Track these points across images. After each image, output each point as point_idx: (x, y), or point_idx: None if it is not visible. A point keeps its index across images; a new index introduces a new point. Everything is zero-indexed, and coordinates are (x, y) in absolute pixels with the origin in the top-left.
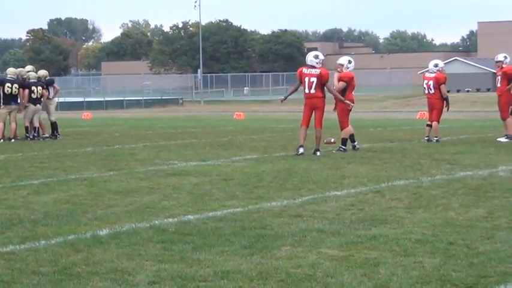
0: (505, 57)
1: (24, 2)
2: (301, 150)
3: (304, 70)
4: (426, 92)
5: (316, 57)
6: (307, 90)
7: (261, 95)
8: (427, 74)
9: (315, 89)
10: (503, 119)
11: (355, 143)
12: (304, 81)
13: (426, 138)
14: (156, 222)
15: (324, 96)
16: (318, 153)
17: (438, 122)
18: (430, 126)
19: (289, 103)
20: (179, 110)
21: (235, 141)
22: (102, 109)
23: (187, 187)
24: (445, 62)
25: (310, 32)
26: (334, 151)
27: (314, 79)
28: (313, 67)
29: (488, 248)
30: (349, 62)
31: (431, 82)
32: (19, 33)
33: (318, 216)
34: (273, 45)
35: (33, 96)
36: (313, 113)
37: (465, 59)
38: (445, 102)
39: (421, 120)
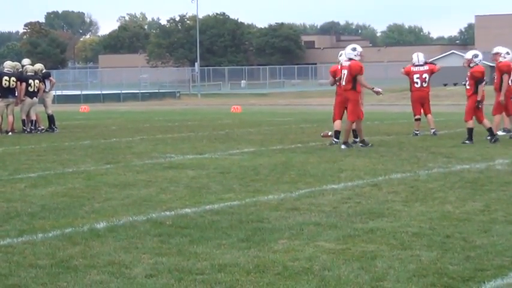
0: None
1: None
2: (343, 146)
3: (344, 63)
4: (419, 86)
5: (354, 49)
6: (342, 82)
7: (258, 88)
8: (416, 68)
9: (345, 81)
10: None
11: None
12: (342, 74)
13: (416, 131)
14: (153, 215)
15: (353, 88)
16: (343, 147)
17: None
18: (419, 120)
19: (287, 96)
20: (176, 103)
21: (233, 135)
22: (99, 102)
23: (184, 180)
24: (442, 55)
25: (307, 25)
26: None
27: (345, 71)
28: (349, 60)
29: (485, 241)
30: (476, 56)
31: (426, 75)
32: (16, 26)
33: (315, 209)
34: (270, 39)
35: (30, 89)
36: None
37: (462, 52)
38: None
39: None
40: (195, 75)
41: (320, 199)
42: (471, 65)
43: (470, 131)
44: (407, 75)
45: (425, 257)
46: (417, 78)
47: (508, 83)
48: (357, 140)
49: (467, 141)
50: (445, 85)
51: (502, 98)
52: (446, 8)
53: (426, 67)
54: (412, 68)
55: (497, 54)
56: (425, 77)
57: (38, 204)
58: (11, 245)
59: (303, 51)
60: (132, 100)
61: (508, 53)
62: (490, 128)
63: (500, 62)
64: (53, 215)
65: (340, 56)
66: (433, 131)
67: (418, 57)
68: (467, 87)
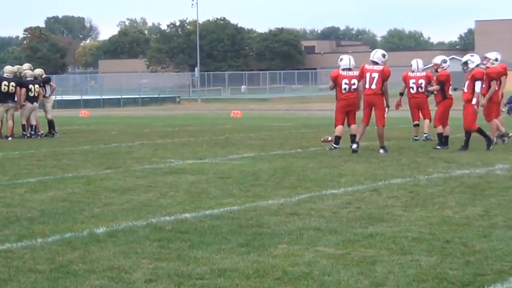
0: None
1: (21, 0)
2: (354, 146)
3: (367, 66)
4: (414, 91)
5: (384, 56)
6: (367, 86)
7: (258, 93)
8: (413, 74)
9: (376, 84)
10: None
11: (338, 146)
12: (366, 77)
13: (416, 137)
14: (153, 220)
15: (382, 94)
16: (382, 151)
17: (430, 119)
18: (418, 126)
19: (287, 101)
20: (176, 108)
21: (233, 140)
22: (99, 107)
23: (184, 185)
24: None
25: (307, 30)
26: (327, 149)
27: (376, 74)
28: (376, 63)
29: (485, 246)
30: (444, 61)
31: (422, 81)
32: (16, 31)
33: (315, 214)
34: (270, 44)
35: (30, 94)
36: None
37: (462, 57)
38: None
39: None
40: (195, 80)
41: (320, 204)
42: (438, 69)
43: (439, 136)
44: (404, 80)
45: (425, 262)
46: (413, 83)
47: (495, 88)
48: (337, 146)
49: (438, 147)
50: None
51: (484, 102)
52: (447, 13)
53: (423, 73)
54: (409, 73)
55: (486, 59)
56: (421, 83)
57: (38, 209)
58: (11, 249)
59: (303, 56)
60: (132, 105)
61: (496, 60)
62: (441, 134)
63: (488, 67)
64: (52, 220)
65: (340, 60)
66: (425, 135)
67: (418, 64)
68: (435, 92)
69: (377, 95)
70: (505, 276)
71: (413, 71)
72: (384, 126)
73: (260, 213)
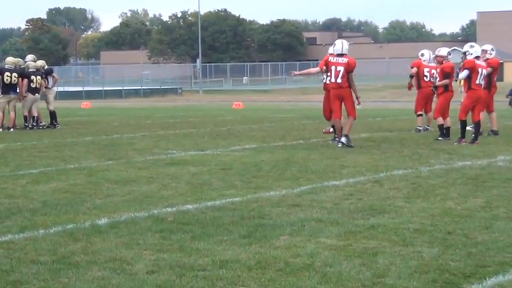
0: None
1: None
2: (340, 145)
3: (331, 58)
4: (428, 79)
5: (334, 45)
6: (333, 80)
7: (260, 85)
8: (426, 63)
9: (341, 78)
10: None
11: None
12: (331, 70)
13: (420, 127)
14: (155, 211)
15: (349, 86)
16: (343, 139)
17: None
18: (421, 115)
19: (289, 93)
20: (178, 99)
21: (234, 131)
22: (101, 98)
23: (186, 176)
24: None
25: (309, 22)
26: (330, 141)
27: (341, 68)
28: (340, 56)
29: (487, 237)
30: (449, 53)
31: (434, 71)
32: (18, 22)
33: (317, 205)
34: (272, 35)
35: (32, 85)
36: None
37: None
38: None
39: None
40: (196, 71)
41: (322, 195)
42: (444, 61)
43: (440, 127)
44: (418, 67)
45: (427, 254)
46: (427, 72)
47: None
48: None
49: (440, 138)
50: None
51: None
52: (449, 4)
53: (434, 64)
54: (422, 61)
55: (483, 51)
56: (434, 73)
57: (40, 201)
58: (13, 241)
59: (304, 47)
60: (133, 96)
61: (493, 50)
62: (442, 125)
63: (487, 59)
64: (54, 211)
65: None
66: (427, 127)
67: (430, 55)
68: (437, 84)
69: (344, 88)
70: (506, 268)
71: (425, 61)
72: (355, 118)
73: (262, 204)
